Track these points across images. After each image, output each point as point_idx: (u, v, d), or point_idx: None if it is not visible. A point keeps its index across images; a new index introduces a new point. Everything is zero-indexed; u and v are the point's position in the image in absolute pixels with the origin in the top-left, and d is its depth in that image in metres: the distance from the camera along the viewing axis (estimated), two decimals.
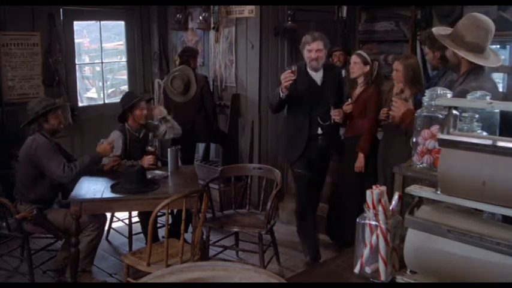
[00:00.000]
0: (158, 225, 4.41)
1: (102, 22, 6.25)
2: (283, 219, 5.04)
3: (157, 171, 4.01)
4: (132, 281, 3.31)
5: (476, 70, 2.47)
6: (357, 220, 1.51)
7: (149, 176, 3.82)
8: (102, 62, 6.41)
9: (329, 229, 4.40)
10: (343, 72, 4.51)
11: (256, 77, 5.30)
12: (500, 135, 1.66)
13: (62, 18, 5.69)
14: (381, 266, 1.46)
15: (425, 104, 1.75)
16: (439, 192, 1.38)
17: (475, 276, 1.27)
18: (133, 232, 4.39)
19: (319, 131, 3.94)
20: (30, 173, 3.63)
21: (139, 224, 4.38)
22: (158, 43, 6.47)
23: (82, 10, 5.83)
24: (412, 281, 1.43)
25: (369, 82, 4.07)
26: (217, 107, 5.57)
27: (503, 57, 4.83)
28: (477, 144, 1.30)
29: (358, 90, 4.10)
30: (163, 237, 3.59)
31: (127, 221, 4.48)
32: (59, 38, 5.61)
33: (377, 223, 1.46)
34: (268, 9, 5.21)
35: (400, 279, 1.46)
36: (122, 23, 6.45)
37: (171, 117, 4.58)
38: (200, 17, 5.68)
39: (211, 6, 5.53)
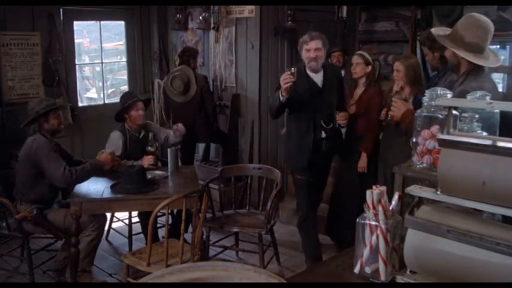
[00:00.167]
0: (158, 225, 4.41)
1: (102, 22, 6.25)
2: (283, 219, 5.04)
3: (157, 172, 4.01)
4: (132, 281, 3.31)
5: (476, 70, 2.47)
6: (357, 220, 1.51)
7: (149, 176, 3.82)
8: (102, 62, 6.41)
9: (329, 229, 4.40)
10: (342, 72, 4.48)
11: (256, 77, 5.30)
12: (500, 135, 1.66)
13: (62, 18, 5.69)
14: (381, 266, 1.46)
15: (425, 104, 1.75)
16: (439, 192, 1.38)
17: (475, 276, 1.27)
18: (133, 232, 4.39)
19: (323, 134, 3.80)
20: (30, 173, 3.63)
21: (139, 224, 4.38)
22: (158, 43, 6.48)
23: (82, 10, 5.83)
24: (412, 281, 1.43)
25: (371, 82, 4.08)
26: (217, 107, 5.57)
27: (503, 57, 4.83)
28: (477, 145, 1.30)
29: (360, 90, 4.10)
30: (163, 237, 3.59)
31: (127, 221, 4.48)
32: (59, 38, 5.62)
33: (377, 223, 1.46)
34: (268, 9, 5.21)
35: (400, 279, 1.46)
36: (122, 23, 6.45)
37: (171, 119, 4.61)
38: (200, 17, 5.68)
39: (211, 6, 5.53)
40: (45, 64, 5.51)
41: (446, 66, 3.51)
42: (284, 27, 5.22)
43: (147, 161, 4.03)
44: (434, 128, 1.70)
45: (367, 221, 1.48)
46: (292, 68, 3.50)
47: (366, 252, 1.48)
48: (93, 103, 6.57)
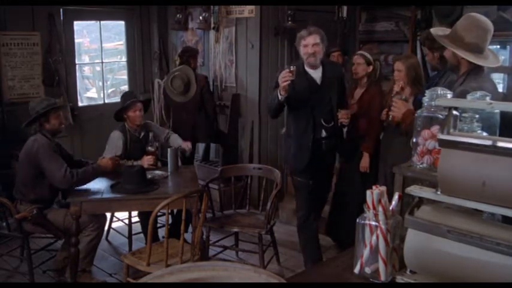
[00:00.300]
0: (158, 225, 4.41)
1: (102, 22, 6.25)
2: (283, 220, 5.04)
3: (157, 171, 4.01)
4: (131, 281, 3.31)
5: (476, 70, 2.47)
6: (357, 220, 1.51)
7: (149, 176, 3.82)
8: (102, 62, 6.41)
9: (330, 230, 4.40)
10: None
11: (256, 77, 5.31)
12: (500, 135, 1.66)
13: (62, 18, 5.69)
14: (381, 266, 1.46)
15: (426, 104, 1.75)
16: (439, 192, 1.38)
17: (475, 276, 1.27)
18: (133, 232, 4.39)
19: (323, 133, 3.69)
20: (30, 173, 3.63)
21: (139, 224, 4.38)
22: (158, 43, 6.48)
23: (82, 10, 5.83)
24: (412, 281, 1.43)
25: (372, 82, 4.08)
26: (217, 107, 5.57)
27: (503, 57, 4.83)
28: (477, 145, 1.30)
29: (360, 90, 4.10)
30: (163, 237, 3.59)
31: (127, 221, 4.48)
32: (59, 38, 5.62)
33: (377, 223, 1.46)
34: (268, 9, 5.21)
35: (400, 279, 1.46)
36: (122, 23, 6.45)
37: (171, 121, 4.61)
38: (200, 17, 5.68)
39: (212, 7, 5.53)
40: (45, 64, 5.51)
41: (446, 66, 3.51)
42: (284, 27, 5.23)
43: (147, 161, 4.03)
44: (435, 128, 1.70)
45: (367, 221, 1.48)
46: (291, 66, 3.43)
47: (366, 252, 1.48)
48: (93, 103, 6.57)
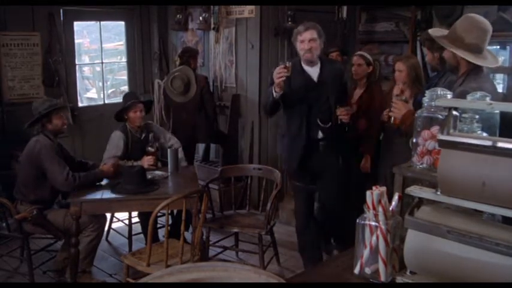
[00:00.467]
0: (158, 225, 4.40)
1: (102, 22, 6.25)
2: (283, 220, 5.04)
3: (157, 172, 4.01)
4: (131, 281, 3.31)
5: (476, 71, 2.47)
6: (357, 221, 1.51)
7: (149, 177, 3.82)
8: (102, 62, 6.41)
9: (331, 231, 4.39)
10: None
11: (256, 77, 5.31)
12: (500, 136, 1.66)
13: (62, 18, 5.69)
14: (381, 266, 1.46)
15: (426, 104, 1.75)
16: (439, 193, 1.38)
17: (475, 276, 1.27)
18: (133, 232, 4.39)
19: (320, 134, 3.50)
20: (31, 174, 3.63)
21: (139, 224, 4.38)
22: (158, 43, 6.48)
23: (82, 10, 5.83)
24: (412, 282, 1.43)
25: (372, 82, 4.07)
26: (217, 108, 5.57)
27: (503, 57, 4.84)
28: (477, 145, 1.30)
29: (360, 90, 4.10)
30: (163, 237, 3.59)
31: (127, 222, 4.48)
32: (59, 38, 5.62)
33: (377, 224, 1.46)
34: (268, 10, 5.21)
35: (400, 279, 1.45)
36: (122, 23, 6.45)
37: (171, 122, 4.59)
38: (200, 18, 5.68)
39: (212, 7, 5.54)
40: (45, 64, 5.51)
41: (445, 66, 3.51)
42: (284, 27, 5.23)
43: (146, 161, 4.03)
44: (435, 129, 1.70)
45: (367, 222, 1.48)
46: (287, 62, 3.31)
47: (366, 252, 1.48)
48: (93, 103, 6.57)
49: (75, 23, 5.94)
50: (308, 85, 3.49)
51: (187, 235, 3.55)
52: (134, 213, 4.44)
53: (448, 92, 1.74)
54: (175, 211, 4.15)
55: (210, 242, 4.03)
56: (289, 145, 3.59)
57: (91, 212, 3.56)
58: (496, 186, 1.25)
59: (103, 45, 6.37)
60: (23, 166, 3.71)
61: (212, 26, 5.60)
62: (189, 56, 5.23)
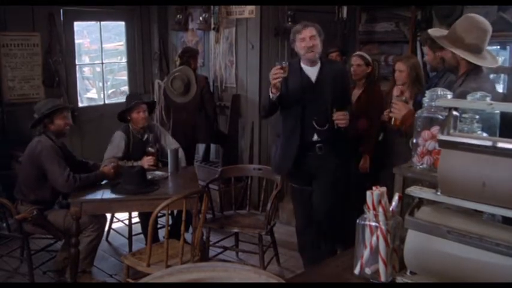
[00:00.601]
0: (158, 226, 4.40)
1: (102, 22, 6.25)
2: (283, 220, 5.04)
3: (157, 172, 4.01)
4: (132, 281, 3.31)
5: (475, 71, 2.47)
6: (357, 221, 1.51)
7: (149, 177, 3.81)
8: (102, 63, 6.41)
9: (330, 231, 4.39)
10: None
11: (256, 77, 5.31)
12: (500, 136, 1.65)
13: (62, 18, 5.69)
14: (381, 267, 1.46)
15: (426, 105, 1.75)
16: (439, 193, 1.38)
17: (475, 277, 1.27)
18: (134, 233, 4.39)
19: (315, 137, 3.38)
20: (32, 174, 3.63)
21: (139, 224, 4.38)
22: (158, 44, 6.48)
23: (82, 11, 5.84)
24: (412, 282, 1.43)
25: (371, 82, 4.07)
26: (217, 108, 5.57)
27: (503, 58, 4.84)
28: (477, 145, 1.30)
29: (358, 90, 4.10)
30: (163, 237, 3.59)
31: (127, 222, 4.48)
32: (59, 39, 5.62)
33: (377, 224, 1.46)
34: (268, 10, 5.22)
35: (400, 280, 1.45)
36: (122, 23, 6.45)
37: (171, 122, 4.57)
38: (200, 18, 5.69)
39: (212, 7, 5.54)
40: (45, 64, 5.51)
41: (445, 66, 3.51)
42: (284, 27, 5.23)
43: (147, 161, 4.02)
44: (435, 129, 1.70)
45: (367, 222, 1.48)
46: (283, 62, 3.21)
47: (366, 253, 1.48)
48: (93, 103, 6.57)
49: (75, 23, 5.94)
50: (305, 86, 3.39)
51: (188, 235, 3.55)
52: (134, 214, 4.44)
53: (448, 92, 1.74)
54: (175, 211, 4.15)
55: (210, 242, 4.03)
56: (283, 145, 3.50)
57: (91, 212, 3.56)
58: (496, 186, 1.25)
59: (103, 46, 6.37)
60: (24, 166, 3.71)
61: (212, 26, 5.61)
62: (189, 56, 5.23)
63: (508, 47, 4.89)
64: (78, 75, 6.11)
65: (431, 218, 1.38)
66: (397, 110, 2.78)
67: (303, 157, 3.41)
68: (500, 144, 1.26)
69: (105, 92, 6.58)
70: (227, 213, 4.17)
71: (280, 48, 5.39)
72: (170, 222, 3.43)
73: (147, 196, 3.56)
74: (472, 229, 1.29)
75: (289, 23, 5.18)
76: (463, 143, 1.33)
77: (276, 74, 3.14)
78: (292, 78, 3.34)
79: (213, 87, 5.71)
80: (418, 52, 5.14)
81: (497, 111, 1.66)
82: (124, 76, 6.79)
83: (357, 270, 1.51)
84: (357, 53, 4.30)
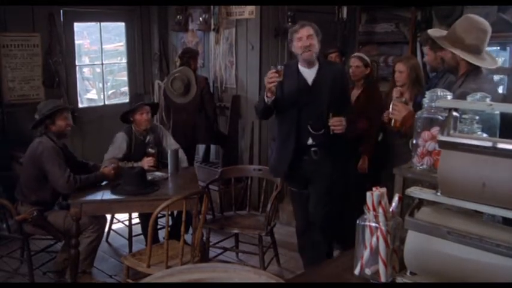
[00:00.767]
0: (158, 226, 4.40)
1: (102, 23, 6.26)
2: (283, 221, 5.04)
3: (157, 173, 4.01)
4: (132, 282, 3.31)
5: (475, 72, 2.48)
6: (357, 222, 1.51)
7: (149, 178, 3.82)
8: (102, 63, 6.42)
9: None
10: None
11: (256, 78, 5.31)
12: (500, 137, 1.66)
13: (62, 19, 5.70)
14: (381, 267, 1.46)
15: (426, 105, 1.75)
16: (439, 193, 1.38)
17: (475, 277, 1.27)
18: (134, 234, 4.39)
19: (310, 141, 3.31)
20: (33, 175, 3.63)
21: (139, 225, 4.38)
22: (158, 44, 6.48)
23: (82, 11, 5.84)
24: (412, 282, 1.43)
25: (370, 83, 4.08)
26: (217, 109, 5.58)
27: (503, 58, 4.84)
28: (477, 146, 1.30)
29: (357, 91, 4.10)
30: (163, 238, 3.59)
31: (127, 223, 4.48)
32: (59, 39, 5.62)
33: (377, 225, 1.46)
34: (268, 11, 5.22)
35: (400, 280, 1.45)
36: (122, 24, 6.45)
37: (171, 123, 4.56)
38: (200, 19, 5.69)
39: (212, 8, 5.54)
40: (45, 65, 5.51)
41: (445, 67, 3.51)
42: (284, 28, 5.22)
43: (147, 162, 4.02)
44: (435, 130, 1.70)
45: (367, 223, 1.49)
46: (279, 66, 3.14)
47: (366, 253, 1.48)
48: (93, 104, 6.58)
49: (76, 24, 5.94)
50: (301, 88, 3.31)
51: (188, 236, 3.55)
52: (134, 215, 4.44)
53: (448, 93, 1.74)
54: (175, 212, 4.15)
55: (210, 243, 4.03)
56: (279, 148, 3.46)
57: (91, 213, 3.56)
58: (496, 187, 1.25)
59: (103, 46, 6.37)
60: (25, 167, 3.72)
61: (212, 27, 5.61)
62: (189, 57, 5.23)
63: (508, 48, 4.90)
64: (78, 76, 6.12)
65: (431, 218, 1.38)
66: (397, 112, 2.78)
67: (298, 161, 3.35)
68: (500, 145, 1.26)
69: (105, 92, 6.58)
70: (227, 214, 4.17)
71: (280, 48, 5.39)
72: (170, 223, 3.43)
73: (147, 197, 3.56)
74: (472, 230, 1.29)
75: (289, 24, 5.18)
76: (463, 144, 1.33)
77: (271, 78, 3.08)
78: (289, 80, 3.27)
79: (213, 88, 5.71)
80: (418, 53, 5.14)
81: (497, 112, 1.66)
82: (124, 77, 6.79)
83: (357, 271, 1.51)
84: (356, 54, 4.30)
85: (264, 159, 5.40)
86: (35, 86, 5.49)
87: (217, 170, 5.03)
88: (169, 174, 4.03)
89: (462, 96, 1.96)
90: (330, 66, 3.56)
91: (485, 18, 2.52)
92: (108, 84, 6.99)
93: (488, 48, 2.53)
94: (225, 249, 4.20)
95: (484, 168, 1.28)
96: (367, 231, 1.48)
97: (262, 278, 1.07)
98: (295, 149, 3.32)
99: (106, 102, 6.47)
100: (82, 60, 6.56)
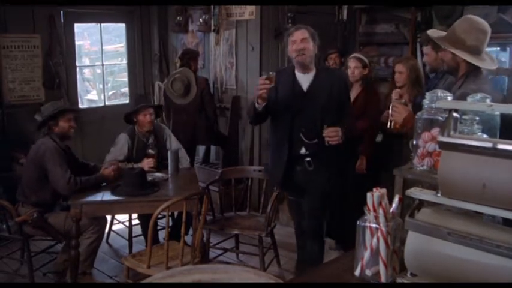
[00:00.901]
0: (158, 227, 4.40)
1: (102, 24, 6.27)
2: (284, 222, 5.03)
3: (157, 174, 4.01)
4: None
5: (475, 72, 2.48)
6: (358, 223, 1.51)
7: (149, 178, 3.81)
8: (102, 64, 6.42)
9: (331, 231, 4.39)
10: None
11: (256, 79, 5.23)
12: (500, 137, 1.66)
13: (62, 20, 5.71)
14: (382, 268, 1.46)
15: (426, 106, 1.75)
16: (439, 194, 1.38)
17: (475, 278, 1.27)
18: (134, 234, 4.39)
19: (303, 150, 3.15)
20: (34, 176, 3.63)
21: (139, 226, 4.38)
22: (158, 45, 6.49)
23: (82, 12, 5.85)
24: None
25: (368, 84, 4.08)
26: (217, 109, 5.58)
27: (503, 59, 4.84)
28: (477, 147, 1.30)
29: (355, 91, 4.11)
30: (163, 239, 3.59)
31: (127, 224, 4.48)
32: (59, 40, 5.63)
33: (377, 226, 1.46)
34: (268, 12, 5.22)
35: (400, 281, 1.46)
36: (123, 25, 6.46)
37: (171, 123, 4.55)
38: (200, 19, 5.70)
39: (212, 9, 5.55)
40: (45, 66, 5.52)
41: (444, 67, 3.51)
42: (284, 29, 5.23)
43: (147, 163, 4.02)
44: (435, 131, 1.70)
45: (367, 224, 1.49)
46: (270, 72, 3.01)
47: (367, 254, 1.48)
48: (93, 105, 6.58)
49: (76, 25, 5.95)
50: (295, 95, 3.16)
51: (188, 237, 3.55)
52: (134, 215, 4.44)
53: (448, 94, 1.74)
54: (175, 213, 4.15)
55: (211, 244, 4.03)
56: (273, 157, 3.35)
57: (91, 214, 3.56)
58: (496, 188, 1.25)
59: (103, 47, 6.38)
60: (27, 167, 3.72)
61: (212, 28, 5.61)
62: (190, 57, 5.24)
63: (508, 49, 4.89)
64: (78, 76, 6.13)
65: (431, 219, 1.38)
66: (398, 113, 2.78)
67: (292, 170, 3.22)
68: (500, 146, 1.26)
69: (106, 93, 6.59)
70: (227, 214, 4.17)
71: (280, 49, 5.39)
72: (170, 223, 3.43)
73: (147, 198, 3.55)
74: (473, 231, 1.29)
75: (289, 25, 5.18)
76: (463, 145, 1.33)
77: (262, 85, 2.96)
78: (284, 85, 3.15)
79: (213, 89, 5.72)
80: (418, 54, 5.14)
81: (498, 113, 1.66)
82: (124, 78, 6.80)
83: (357, 272, 1.51)
84: (354, 55, 4.28)
85: (264, 160, 5.40)
86: (35, 87, 5.49)
87: (217, 170, 5.03)
88: (169, 175, 4.03)
89: (462, 97, 1.96)
90: (329, 72, 3.42)
91: (485, 18, 2.52)
92: (109, 85, 6.99)
93: (488, 49, 2.53)
94: (225, 250, 4.20)
95: (485, 169, 1.28)
96: (368, 232, 1.48)
97: (263, 279, 1.07)
98: (288, 159, 3.19)
99: (106, 103, 6.48)
100: (82, 61, 6.57)
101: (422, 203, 1.47)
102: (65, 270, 3.74)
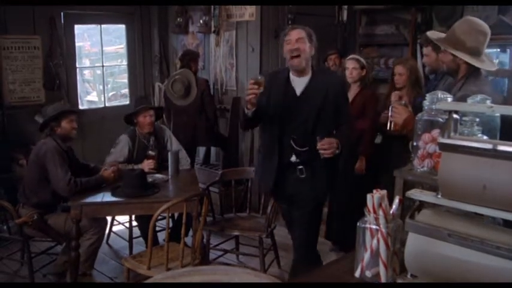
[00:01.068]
0: (158, 228, 4.40)
1: (102, 25, 6.27)
2: (284, 223, 5.02)
3: (157, 175, 4.01)
4: None
5: (475, 74, 2.48)
6: (358, 224, 1.51)
7: (150, 180, 3.81)
8: (102, 66, 6.43)
9: (330, 233, 4.39)
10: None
11: None
12: (500, 139, 1.66)
13: (62, 21, 5.71)
14: (382, 269, 1.46)
15: (426, 108, 1.75)
16: (439, 196, 1.38)
17: (475, 280, 1.27)
18: (134, 236, 4.38)
19: (293, 158, 2.94)
20: (36, 177, 3.64)
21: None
22: (159, 46, 6.49)
23: (83, 14, 5.86)
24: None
25: (366, 85, 4.09)
26: (217, 111, 5.58)
27: (504, 60, 4.84)
28: (477, 148, 1.30)
29: (353, 92, 4.11)
30: (163, 240, 3.59)
31: (127, 225, 4.48)
32: (59, 42, 5.63)
33: (378, 227, 1.46)
34: (268, 13, 5.22)
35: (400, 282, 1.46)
36: (123, 26, 6.46)
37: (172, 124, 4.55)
38: (201, 21, 5.70)
39: (212, 10, 5.55)
40: (46, 67, 5.52)
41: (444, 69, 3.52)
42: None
43: (147, 165, 4.02)
44: (435, 132, 1.70)
45: (367, 225, 1.49)
46: (259, 76, 2.80)
47: (367, 256, 1.48)
48: (93, 106, 6.58)
49: (76, 26, 5.96)
50: (288, 99, 2.95)
51: (188, 238, 3.55)
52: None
53: (448, 95, 1.74)
54: (175, 214, 4.15)
55: (211, 245, 4.03)
56: (263, 163, 3.15)
57: (91, 215, 3.56)
58: (496, 189, 1.26)
59: (103, 49, 6.39)
60: (29, 168, 3.73)
61: (212, 29, 5.62)
62: (190, 59, 5.24)
63: (508, 50, 4.90)
64: (78, 78, 6.13)
65: (431, 221, 1.38)
66: (398, 115, 2.78)
67: (284, 177, 3.02)
68: (500, 147, 1.26)
69: (106, 94, 6.59)
70: (227, 216, 4.17)
71: (281, 50, 5.37)
72: (170, 225, 3.43)
73: (148, 199, 3.55)
74: (473, 232, 1.29)
75: (290, 26, 5.19)
76: (464, 146, 1.33)
77: (251, 89, 2.75)
78: (276, 89, 2.96)
79: (213, 90, 5.72)
80: (418, 55, 5.15)
81: (498, 114, 1.66)
82: (124, 79, 6.80)
83: (357, 273, 1.51)
84: (351, 56, 4.27)
85: None
86: (36, 88, 5.50)
87: (217, 172, 5.03)
88: (169, 177, 4.03)
89: (463, 99, 1.96)
90: (326, 75, 3.20)
91: (485, 20, 2.53)
92: (109, 86, 7.00)
93: (488, 50, 2.54)
94: (226, 251, 4.19)
95: (485, 171, 1.28)
96: (368, 233, 1.48)
97: (263, 280, 1.07)
98: (279, 166, 2.99)
99: (106, 105, 6.48)
100: (82, 62, 6.57)
101: (422, 205, 1.47)
102: (65, 271, 3.74)
